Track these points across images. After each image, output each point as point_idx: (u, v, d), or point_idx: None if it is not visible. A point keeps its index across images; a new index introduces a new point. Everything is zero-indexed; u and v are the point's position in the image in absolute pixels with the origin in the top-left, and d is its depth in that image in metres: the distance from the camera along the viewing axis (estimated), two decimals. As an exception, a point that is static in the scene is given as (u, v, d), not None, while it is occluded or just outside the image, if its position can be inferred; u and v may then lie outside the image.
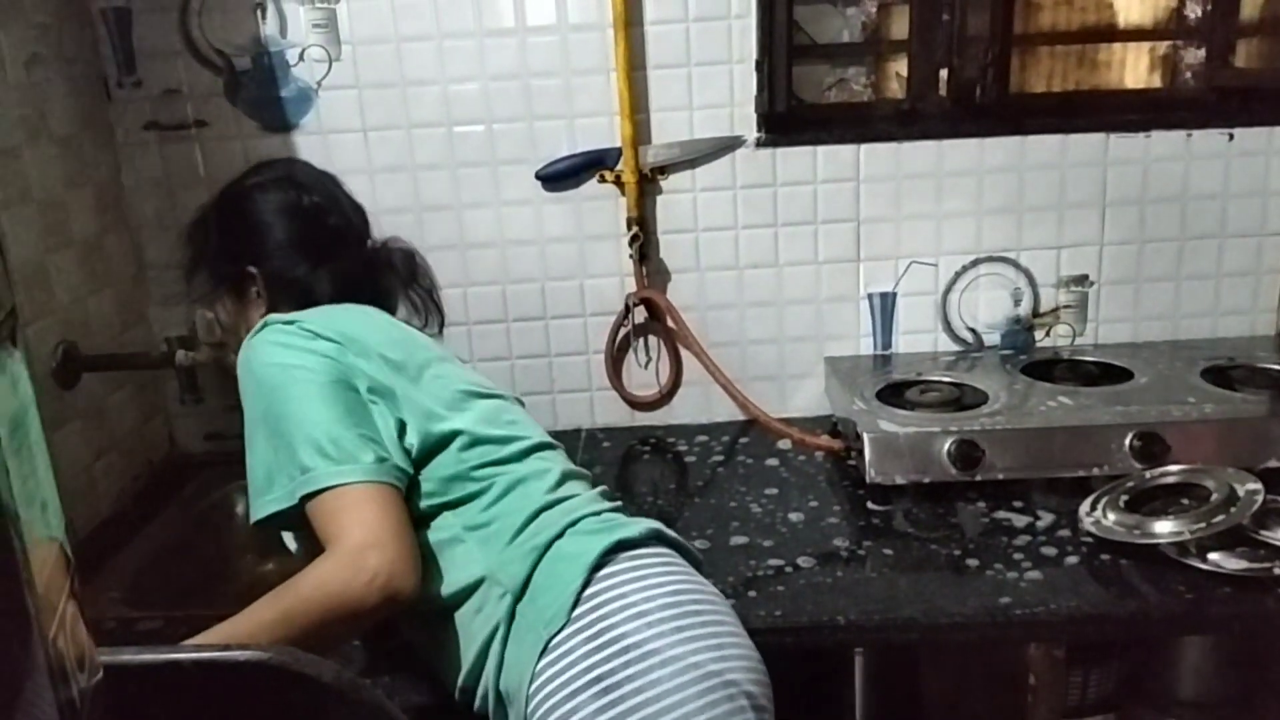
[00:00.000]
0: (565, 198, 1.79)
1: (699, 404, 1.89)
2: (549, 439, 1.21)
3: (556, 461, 1.18)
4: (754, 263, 1.83)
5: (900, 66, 1.90)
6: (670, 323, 1.83)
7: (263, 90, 1.73)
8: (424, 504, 1.08)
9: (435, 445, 1.10)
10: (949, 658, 1.44)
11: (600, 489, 1.19)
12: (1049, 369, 1.75)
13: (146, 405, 1.82)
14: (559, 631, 0.98)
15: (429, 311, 1.41)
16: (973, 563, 1.35)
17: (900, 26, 1.88)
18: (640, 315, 1.84)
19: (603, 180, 1.78)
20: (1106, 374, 1.72)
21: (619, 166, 1.76)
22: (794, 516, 1.51)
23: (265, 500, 1.04)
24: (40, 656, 0.38)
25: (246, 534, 1.79)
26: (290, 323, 1.12)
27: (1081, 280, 1.85)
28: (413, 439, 1.08)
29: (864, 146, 1.77)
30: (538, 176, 1.77)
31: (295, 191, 1.29)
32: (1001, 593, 1.27)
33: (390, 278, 1.37)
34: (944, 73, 1.86)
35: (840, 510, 1.52)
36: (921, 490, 1.52)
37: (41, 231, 1.53)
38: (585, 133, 1.76)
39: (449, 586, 1.05)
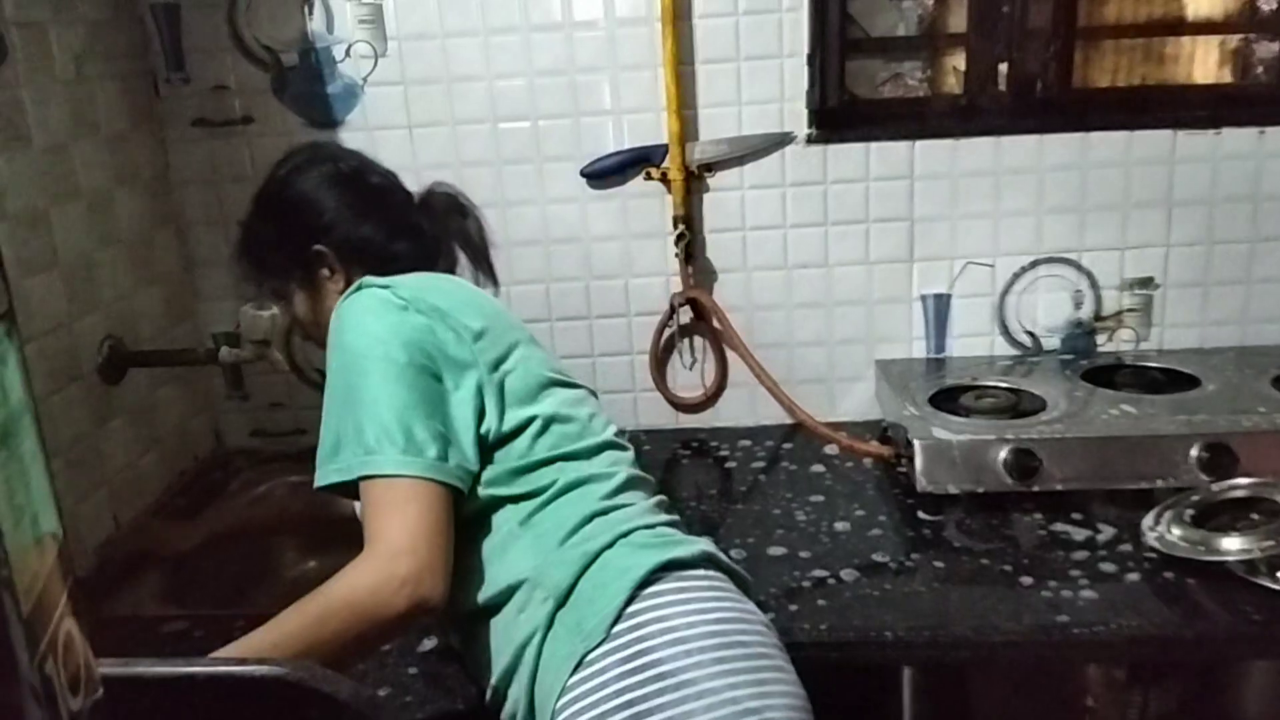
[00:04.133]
0: (610, 195, 1.76)
1: (744, 407, 1.85)
2: (620, 440, 1.18)
3: (622, 464, 1.15)
4: (803, 262, 1.78)
5: (958, 60, 1.84)
6: (716, 323, 1.80)
7: (309, 86, 1.73)
8: (485, 493, 1.06)
9: (510, 432, 1.07)
10: (1001, 677, 1.38)
11: (659, 499, 1.15)
12: (1111, 375, 1.69)
13: (193, 401, 1.82)
14: (595, 648, 0.94)
15: (480, 261, 1.36)
16: (1028, 578, 1.30)
17: (958, 19, 1.82)
18: (685, 315, 1.81)
19: (649, 177, 1.74)
20: (1172, 381, 1.66)
21: (665, 163, 1.73)
22: (840, 526, 1.46)
23: (328, 469, 1.02)
24: (24, 682, 0.36)
25: (290, 531, 1.80)
26: (385, 287, 1.10)
27: (1146, 283, 1.77)
28: (490, 423, 1.06)
29: (919, 143, 1.72)
30: (583, 174, 1.74)
31: (330, 163, 1.27)
32: (1058, 610, 1.22)
33: (445, 225, 1.33)
34: (1003, 67, 1.80)
35: (889, 520, 1.48)
36: (975, 500, 1.47)
37: (89, 227, 1.54)
38: (631, 129, 1.73)
39: (495, 585, 1.03)
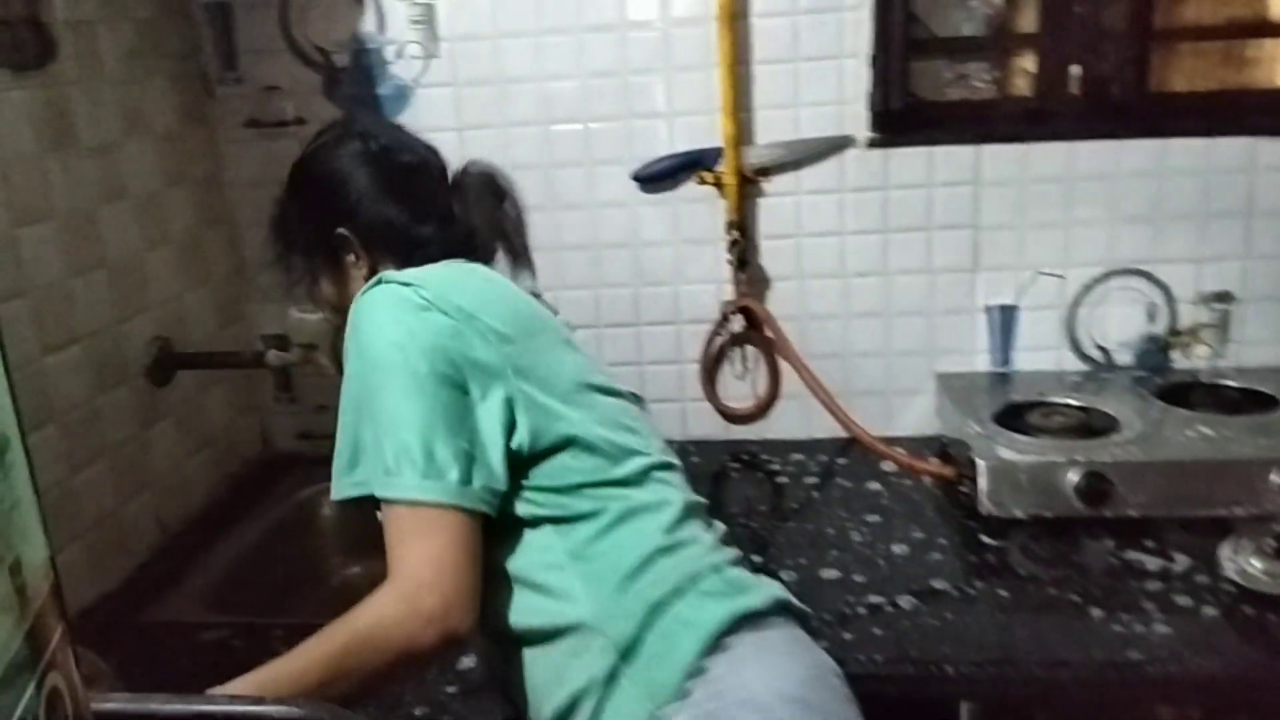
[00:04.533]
0: (662, 200, 1.72)
1: (797, 419, 1.79)
2: (670, 456, 1.10)
3: (676, 489, 1.07)
4: (861, 271, 1.72)
5: (1027, 62, 1.77)
6: (769, 332, 1.74)
7: (361, 87, 1.71)
8: (523, 510, 0.98)
9: (546, 449, 0.99)
10: (1067, 715, 1.31)
11: (719, 531, 1.08)
12: (1186, 394, 1.60)
13: (241, 403, 1.81)
14: (666, 706, 0.89)
15: (517, 249, 1.23)
16: (1098, 609, 1.23)
17: (1028, 19, 1.75)
18: (737, 324, 1.75)
19: (702, 182, 1.69)
20: (1250, 401, 1.57)
21: (719, 167, 1.68)
22: (898, 548, 1.40)
23: (345, 483, 0.98)
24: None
25: (336, 535, 1.78)
26: (406, 284, 1.01)
27: (1224, 297, 1.68)
28: (522, 437, 0.98)
29: (986, 148, 1.65)
30: (634, 177, 1.70)
31: (359, 140, 1.18)
32: (1130, 645, 1.15)
33: (478, 208, 1.20)
34: (1075, 69, 1.72)
35: (950, 544, 1.41)
36: (1042, 525, 1.40)
37: (139, 228, 1.53)
38: (685, 132, 1.68)
39: (543, 616, 0.97)
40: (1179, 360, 1.72)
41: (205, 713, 0.57)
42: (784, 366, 1.77)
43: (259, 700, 0.57)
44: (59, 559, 1.24)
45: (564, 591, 0.96)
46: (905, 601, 1.27)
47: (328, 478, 1.75)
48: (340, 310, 1.17)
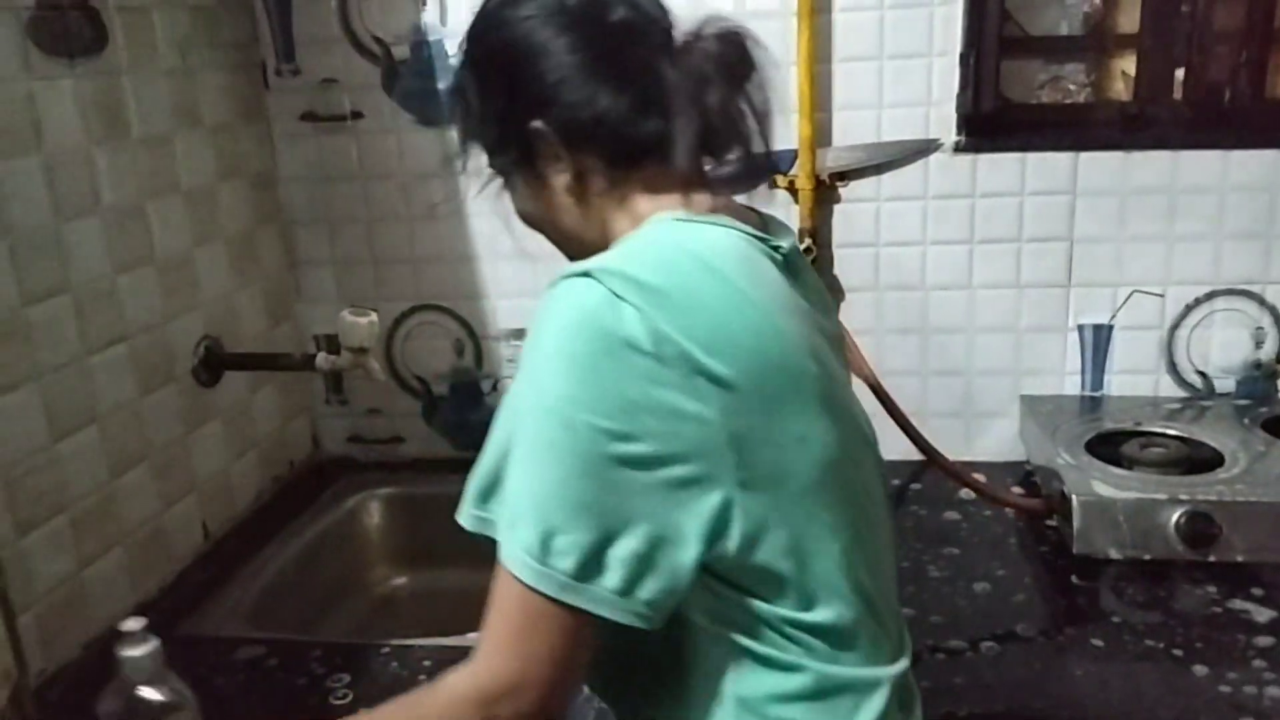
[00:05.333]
0: (733, 204, 1.62)
1: (870, 439, 1.69)
2: (888, 574, 0.87)
3: (888, 640, 0.83)
4: (943, 284, 1.61)
5: (1127, 64, 1.65)
6: (842, 347, 1.64)
7: (420, 81, 1.65)
8: (700, 617, 0.78)
9: (759, 573, 0.76)
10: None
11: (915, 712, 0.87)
12: (1295, 426, 1.48)
13: (291, 404, 1.76)
14: None
15: (759, 162, 0.89)
16: (1202, 666, 1.11)
17: (1129, 18, 1.63)
18: (809, 337, 1.66)
19: (775, 186, 1.60)
20: (1368, 436, 1.44)
21: (794, 171, 1.58)
22: (979, 586, 1.30)
23: (471, 512, 0.78)
24: None
25: (382, 543, 1.73)
26: (622, 298, 0.72)
27: (1339, 321, 1.55)
28: (731, 546, 0.74)
29: (1082, 155, 1.54)
30: (704, 180, 1.61)
31: None
32: (1241, 709, 1.04)
33: (711, 91, 0.82)
34: (1180, 72, 1.60)
35: (1035, 584, 1.30)
36: (1138, 568, 1.28)
37: (189, 223, 1.48)
38: (759, 133, 1.59)
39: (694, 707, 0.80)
40: (1287, 389, 1.59)
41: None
42: (857, 383, 1.66)
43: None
44: (97, 565, 1.18)
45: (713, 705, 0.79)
46: (988, 647, 1.17)
47: (376, 484, 1.74)
48: (536, 222, 0.93)
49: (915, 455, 1.62)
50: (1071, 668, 1.13)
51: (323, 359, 1.51)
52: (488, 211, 0.94)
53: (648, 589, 0.72)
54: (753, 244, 0.82)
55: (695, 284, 0.74)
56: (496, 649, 0.74)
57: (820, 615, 0.77)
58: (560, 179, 0.86)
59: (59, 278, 1.23)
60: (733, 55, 0.84)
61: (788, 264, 0.84)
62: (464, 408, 1.79)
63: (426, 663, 1.19)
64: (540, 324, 0.75)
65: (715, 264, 0.76)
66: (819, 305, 0.87)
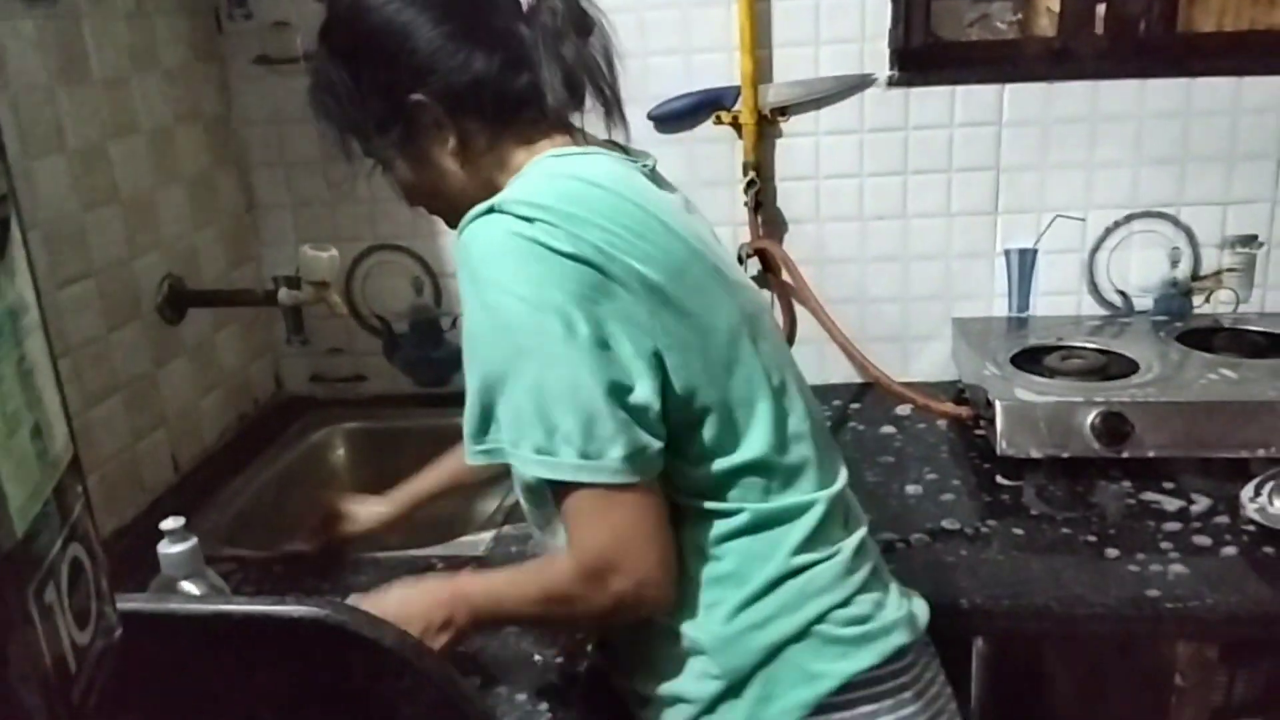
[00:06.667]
0: (678, 140, 1.69)
1: (813, 364, 1.77)
2: (811, 417, 0.97)
3: (819, 471, 0.95)
4: (879, 214, 1.70)
5: (1051, 1, 1.73)
6: (786, 276, 1.72)
7: (371, 23, 1.68)
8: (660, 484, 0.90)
9: (692, 422, 0.88)
10: (1080, 652, 1.31)
11: (858, 531, 0.97)
12: (1208, 338, 1.58)
13: (254, 344, 1.81)
14: None
15: (610, 101, 0.98)
16: (1115, 549, 1.22)
17: (1053, -44, 1.71)
18: (754, 267, 1.73)
19: (719, 122, 1.67)
20: (1274, 345, 1.55)
21: (737, 107, 1.65)
22: (911, 489, 1.39)
23: (475, 449, 0.88)
24: (12, 608, 0.32)
25: (349, 477, 1.79)
26: (528, 219, 0.83)
27: (1249, 241, 1.66)
28: (672, 402, 0.86)
29: (1008, 87, 1.62)
30: (650, 117, 1.67)
31: None
32: (1148, 584, 1.15)
33: (564, 43, 0.94)
34: (1101, 8, 1.68)
35: (964, 484, 1.40)
36: (1058, 466, 1.39)
37: (150, 164, 1.51)
38: (702, 70, 1.65)
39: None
40: (1201, 305, 1.69)
41: (224, 612, 0.56)
42: (801, 310, 1.75)
43: (280, 601, 0.56)
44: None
45: (681, 586, 0.90)
46: (918, 540, 1.27)
47: (340, 419, 1.79)
48: (423, 196, 1.01)
49: (857, 377, 1.73)
50: (995, 554, 1.23)
51: (284, 294, 1.56)
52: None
53: (645, 444, 0.83)
54: (624, 163, 0.95)
55: (588, 198, 0.86)
56: (593, 546, 0.85)
57: (752, 455, 0.89)
58: (443, 147, 0.94)
59: (29, 214, 1.26)
60: (575, 13, 0.95)
61: (654, 177, 0.98)
62: (424, 345, 1.85)
63: (397, 571, 1.26)
64: (466, 263, 0.85)
65: (599, 181, 0.88)
66: (688, 207, 1.01)
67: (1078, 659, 1.38)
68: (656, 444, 0.85)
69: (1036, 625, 1.15)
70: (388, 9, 0.92)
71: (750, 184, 1.66)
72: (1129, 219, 1.66)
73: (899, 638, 0.92)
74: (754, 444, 0.90)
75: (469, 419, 0.88)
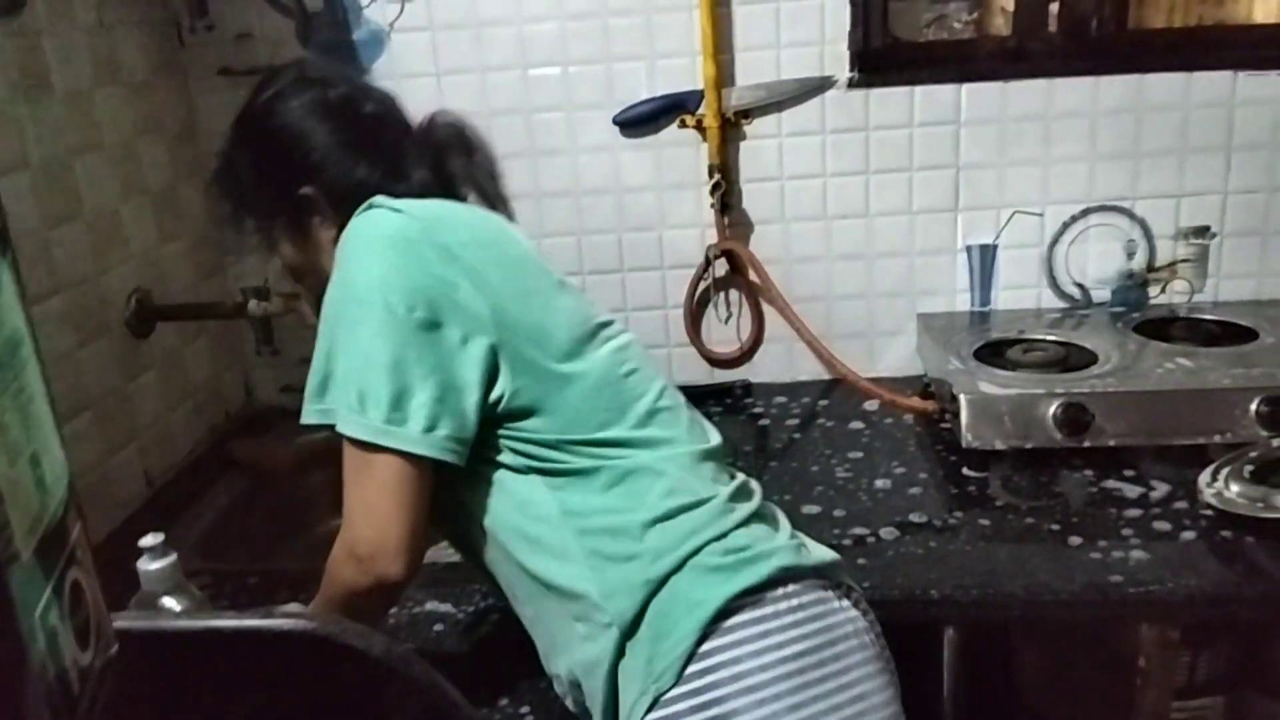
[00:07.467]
0: (644, 144, 1.71)
1: (782, 362, 1.80)
2: (674, 399, 1.06)
3: (682, 440, 1.02)
4: (843, 213, 1.72)
5: (1005, 1, 1.76)
6: (753, 276, 1.75)
7: (334, 33, 1.68)
8: (512, 460, 0.96)
9: (533, 404, 0.96)
10: (1048, 638, 1.34)
11: (734, 482, 1.03)
12: (1165, 328, 1.63)
13: (224, 356, 1.80)
14: (668, 690, 0.89)
15: (494, 200, 1.15)
16: (1078, 537, 1.25)
17: (1006, -43, 1.75)
18: (721, 268, 1.76)
19: (683, 125, 1.69)
20: (1229, 334, 1.60)
21: (701, 110, 1.67)
22: (880, 483, 1.42)
23: (312, 409, 0.97)
24: (19, 633, 0.33)
25: (321, 488, 1.78)
26: (398, 211, 0.98)
27: (1202, 232, 1.70)
28: (504, 388, 0.95)
29: (966, 86, 1.65)
30: (615, 122, 1.69)
31: (318, 88, 1.09)
32: (1111, 569, 1.18)
33: (452, 160, 1.13)
34: (1054, 7, 1.72)
35: (931, 477, 1.43)
36: (1022, 457, 1.42)
37: (114, 178, 1.51)
38: (665, 75, 1.67)
39: (539, 571, 0.96)
40: (1157, 296, 1.74)
41: (215, 629, 0.57)
42: (768, 310, 1.78)
43: (268, 613, 0.57)
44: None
45: (559, 549, 0.95)
46: (888, 533, 1.29)
47: (312, 432, 1.79)
48: (304, 275, 1.14)
49: (824, 374, 1.76)
50: (963, 544, 1.26)
51: (254, 305, 1.56)
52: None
53: (445, 427, 0.92)
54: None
55: (454, 214, 1.04)
56: (352, 513, 0.94)
57: (604, 433, 0.98)
58: (325, 234, 1.08)
59: (-8, 231, 1.26)
60: (459, 136, 1.14)
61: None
62: (395, 352, 1.85)
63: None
64: (346, 244, 0.98)
65: (465, 207, 1.08)
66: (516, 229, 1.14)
67: (1046, 645, 1.42)
68: (462, 429, 0.93)
69: (1004, 613, 1.18)
70: (294, 114, 1.08)
71: (716, 186, 1.69)
72: (1085, 213, 1.70)
73: (781, 559, 0.95)
74: (606, 422, 0.98)
75: (311, 379, 0.97)
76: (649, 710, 0.89)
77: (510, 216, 1.16)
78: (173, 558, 0.97)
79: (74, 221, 1.41)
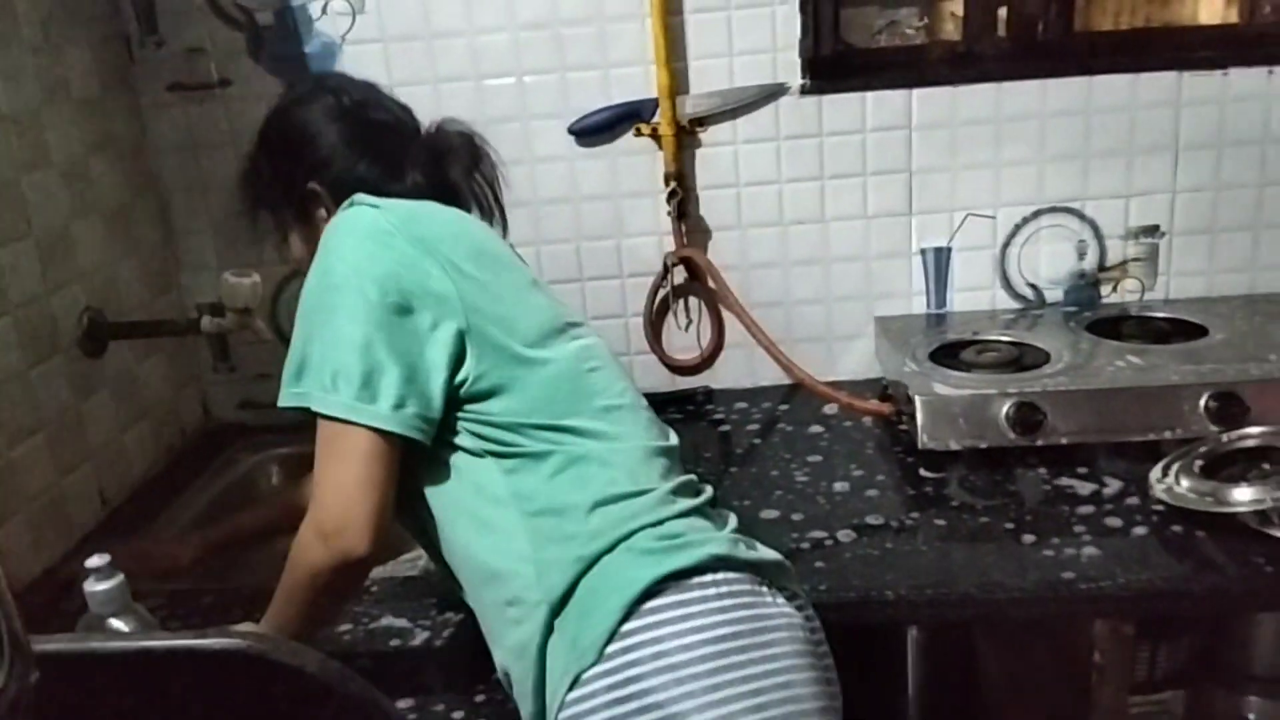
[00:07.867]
0: (600, 153, 1.71)
1: (741, 368, 1.81)
2: (632, 398, 1.10)
3: (636, 437, 1.05)
4: (799, 218, 1.73)
5: (955, 6, 1.79)
6: (711, 283, 1.75)
7: (286, 46, 1.68)
8: (469, 442, 1.00)
9: (496, 387, 1.00)
10: (1008, 635, 1.35)
11: (679, 480, 1.05)
12: (1116, 326, 1.65)
13: (179, 374, 1.79)
14: (589, 668, 0.90)
15: (493, 207, 1.24)
16: (1032, 534, 1.26)
17: (955, -38, 1.77)
18: (680, 275, 1.76)
19: (639, 134, 1.69)
20: (1179, 331, 1.62)
21: (656, 118, 1.68)
22: (838, 486, 1.43)
23: (288, 392, 1.00)
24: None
25: (279, 503, 1.77)
26: (376, 207, 1.04)
27: (1152, 231, 1.73)
28: (470, 371, 0.99)
29: (917, 91, 1.67)
30: (571, 131, 1.69)
31: (333, 96, 1.19)
32: (1064, 566, 1.19)
33: (454, 165, 1.20)
34: (1003, 11, 1.74)
35: (889, 479, 1.44)
36: (978, 456, 1.43)
37: (64, 196, 1.49)
38: (620, 83, 1.67)
39: (486, 553, 0.99)
40: (1109, 295, 1.76)
41: (147, 649, 0.57)
42: (727, 316, 1.78)
43: (201, 634, 0.57)
44: (-1, 535, 1.21)
45: (506, 530, 0.98)
46: (845, 535, 1.30)
47: (271, 446, 1.78)
48: (307, 264, 1.13)
49: (784, 380, 1.77)
50: (919, 545, 1.27)
51: (207, 322, 1.55)
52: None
53: (413, 405, 0.96)
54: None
55: (430, 211, 1.08)
56: (321, 489, 0.96)
57: (560, 419, 1.01)
58: (325, 227, 1.11)
59: (-65, 252, 1.24)
60: (467, 144, 1.21)
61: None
62: (355, 366, 1.84)
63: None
64: (326, 237, 1.04)
65: (442, 207, 1.11)
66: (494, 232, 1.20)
67: (1005, 643, 1.43)
68: (429, 408, 0.97)
69: (960, 613, 1.18)
70: (306, 117, 1.18)
71: (672, 194, 1.69)
72: (1036, 214, 1.72)
73: (714, 549, 0.96)
74: (563, 408, 1.01)
75: (288, 365, 1.00)
76: (570, 689, 0.91)
77: (505, 226, 1.24)
78: (119, 579, 0.96)
79: (22, 241, 1.40)
